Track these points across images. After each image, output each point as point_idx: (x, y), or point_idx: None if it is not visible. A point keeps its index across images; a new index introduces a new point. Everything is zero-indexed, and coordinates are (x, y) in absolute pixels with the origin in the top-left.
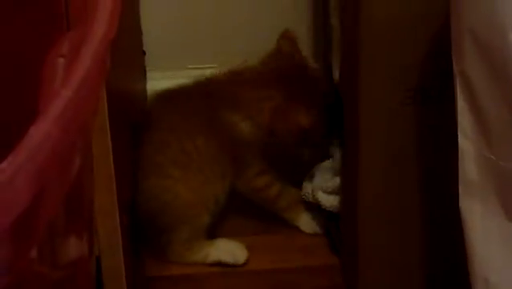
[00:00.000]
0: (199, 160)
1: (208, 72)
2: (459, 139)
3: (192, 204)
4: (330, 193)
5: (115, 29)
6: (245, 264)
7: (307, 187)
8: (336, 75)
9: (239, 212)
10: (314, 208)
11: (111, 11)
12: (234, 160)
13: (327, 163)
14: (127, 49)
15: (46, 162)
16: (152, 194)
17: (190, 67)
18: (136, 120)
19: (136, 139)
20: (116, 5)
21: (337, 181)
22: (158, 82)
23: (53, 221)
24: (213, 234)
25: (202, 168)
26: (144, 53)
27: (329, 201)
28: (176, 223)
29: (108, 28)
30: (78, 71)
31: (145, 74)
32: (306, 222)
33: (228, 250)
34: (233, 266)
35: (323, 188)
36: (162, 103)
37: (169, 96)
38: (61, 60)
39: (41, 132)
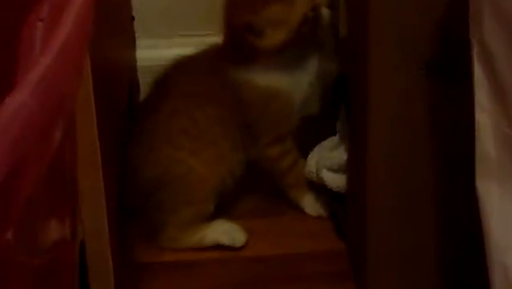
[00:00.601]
0: (211, 132)
1: (202, 40)
2: (475, 112)
3: (207, 181)
4: (335, 171)
5: None
6: (243, 247)
7: (311, 165)
8: (343, 31)
9: (237, 193)
10: (319, 188)
11: None
12: (247, 128)
13: (332, 139)
14: (113, 14)
15: (22, 133)
16: (163, 165)
17: (182, 33)
18: (125, 91)
19: (135, 110)
20: None
21: (343, 157)
22: (148, 50)
23: (31, 201)
24: (209, 216)
25: (215, 141)
26: (132, 18)
27: (335, 180)
28: (181, 203)
29: None
30: (57, 37)
31: (134, 41)
32: (310, 204)
33: (226, 232)
34: (231, 248)
35: (328, 165)
36: (173, 71)
37: (180, 64)
38: (40, 24)
39: (16, 102)
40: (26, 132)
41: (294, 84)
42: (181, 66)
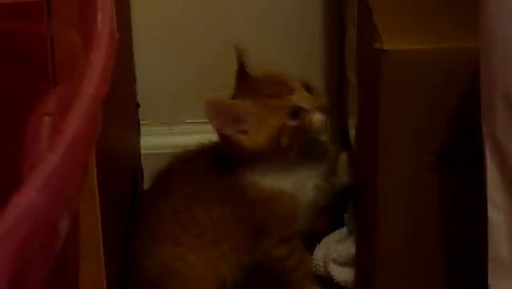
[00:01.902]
0: (214, 233)
1: (208, 127)
2: (488, 211)
3: (206, 278)
4: (343, 264)
5: (108, 86)
6: None
7: (318, 258)
8: (352, 132)
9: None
10: (326, 282)
11: (103, 66)
12: (252, 229)
13: (340, 231)
14: (118, 101)
15: (30, 234)
16: (164, 261)
17: (189, 121)
18: (129, 181)
19: (138, 199)
20: (110, 58)
21: (351, 250)
22: (153, 137)
23: None
24: None
25: (218, 240)
26: (137, 106)
27: (342, 274)
28: None
29: (100, 85)
30: (66, 134)
31: (139, 129)
32: None
33: None
34: None
35: (336, 258)
36: (175, 167)
37: (183, 161)
38: (47, 119)
39: (25, 201)
40: (34, 231)
41: (298, 186)
42: (184, 162)
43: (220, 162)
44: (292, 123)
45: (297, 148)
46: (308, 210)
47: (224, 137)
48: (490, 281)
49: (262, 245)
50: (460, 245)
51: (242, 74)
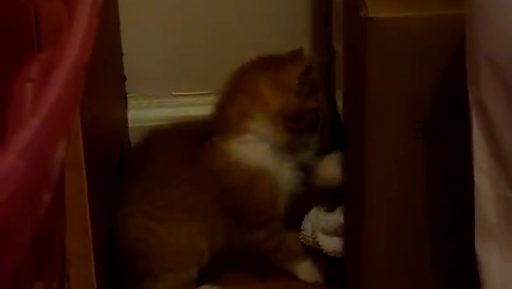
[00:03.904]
0: (189, 212)
1: (195, 100)
2: (475, 176)
3: (178, 252)
4: (332, 234)
5: (90, 52)
6: None
7: (307, 228)
8: (339, 103)
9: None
10: (314, 252)
11: (86, 32)
12: (229, 213)
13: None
14: (105, 73)
15: (11, 199)
16: (137, 235)
17: (175, 94)
18: (116, 154)
19: (120, 173)
20: (92, 25)
21: (340, 220)
22: (140, 110)
23: (19, 268)
24: (200, 281)
25: (193, 218)
26: (124, 78)
27: (331, 244)
28: (161, 270)
29: (82, 51)
30: (47, 99)
31: (126, 102)
32: (306, 270)
33: None
34: None
35: (324, 228)
36: (153, 141)
37: (162, 135)
38: (29, 85)
39: (6, 166)
40: (16, 196)
41: (280, 169)
42: (165, 139)
43: (200, 140)
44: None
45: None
46: (287, 195)
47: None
48: (477, 245)
49: (240, 230)
50: (447, 212)
51: None
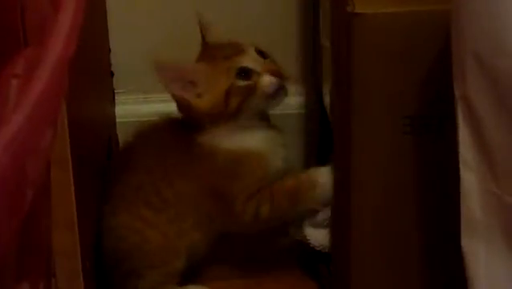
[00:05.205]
0: (178, 207)
1: None
2: (461, 171)
3: (162, 249)
4: (319, 226)
5: (74, 46)
6: None
7: (295, 222)
8: (327, 99)
9: (212, 256)
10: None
11: (70, 27)
12: (219, 198)
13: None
14: (92, 69)
15: None
16: (121, 234)
17: (163, 89)
18: (103, 149)
19: (107, 171)
20: (76, 20)
21: (327, 212)
22: (128, 106)
23: (3, 264)
24: (188, 277)
25: (181, 214)
26: (112, 74)
27: (318, 238)
28: (145, 268)
29: (67, 46)
30: (31, 94)
31: (113, 97)
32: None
33: None
34: None
35: (312, 221)
36: (138, 140)
37: (145, 132)
38: (14, 81)
39: None
40: None
41: (264, 146)
42: (148, 136)
43: (183, 133)
44: (240, 83)
45: (247, 110)
46: (275, 169)
47: (177, 101)
48: (463, 240)
49: (232, 210)
50: (435, 206)
51: (203, 44)
